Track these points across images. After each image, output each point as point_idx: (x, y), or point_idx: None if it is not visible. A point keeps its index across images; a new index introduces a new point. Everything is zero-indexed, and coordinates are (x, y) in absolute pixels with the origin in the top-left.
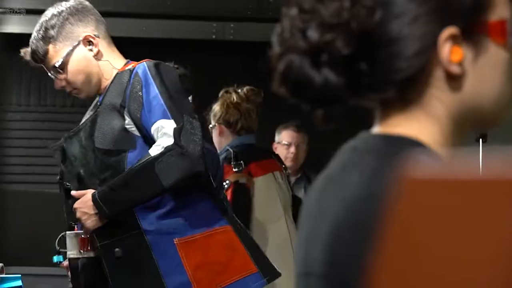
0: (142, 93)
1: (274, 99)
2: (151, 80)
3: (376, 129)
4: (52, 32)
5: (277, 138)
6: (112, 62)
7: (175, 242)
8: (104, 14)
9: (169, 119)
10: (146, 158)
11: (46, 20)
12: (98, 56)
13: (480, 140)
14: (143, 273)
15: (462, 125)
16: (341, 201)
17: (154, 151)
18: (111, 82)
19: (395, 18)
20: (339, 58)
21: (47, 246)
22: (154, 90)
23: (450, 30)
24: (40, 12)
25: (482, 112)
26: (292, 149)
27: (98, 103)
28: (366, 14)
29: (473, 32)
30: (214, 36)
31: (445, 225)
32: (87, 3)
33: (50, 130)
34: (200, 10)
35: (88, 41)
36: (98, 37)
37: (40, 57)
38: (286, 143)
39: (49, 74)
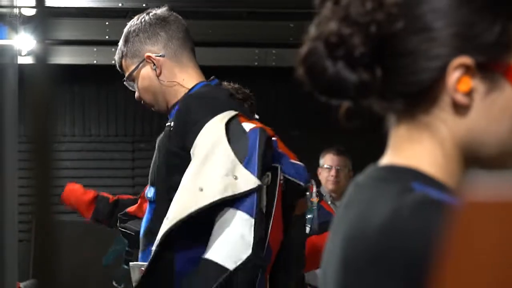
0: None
1: (318, 125)
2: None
3: (384, 158)
4: (124, 48)
5: (320, 162)
6: (183, 81)
7: None
8: None
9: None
10: None
11: (124, 34)
12: (161, 76)
13: None
14: None
15: (466, 155)
16: (342, 240)
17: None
18: (177, 108)
19: (415, 32)
20: (355, 56)
21: (95, 276)
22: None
23: (462, 60)
24: (85, 43)
25: (487, 149)
26: (332, 171)
27: (167, 127)
28: (387, 21)
29: (490, 68)
30: (256, 63)
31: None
32: (167, 15)
33: (95, 160)
34: (242, 37)
35: (151, 61)
36: (163, 56)
37: (120, 69)
38: (327, 166)
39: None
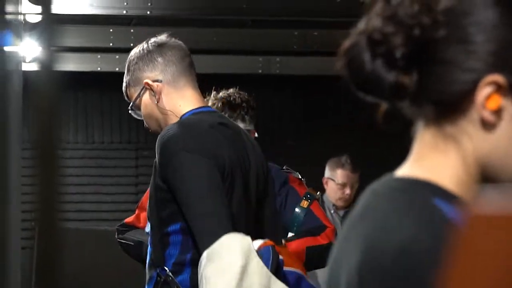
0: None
1: (321, 132)
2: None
3: (405, 166)
4: (127, 77)
5: (329, 173)
6: (177, 110)
7: None
8: None
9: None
10: None
11: (126, 64)
12: (159, 102)
13: None
14: None
15: (483, 173)
16: (359, 251)
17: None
18: None
19: (455, 42)
20: (394, 56)
21: (98, 283)
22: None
23: (495, 77)
24: (89, 50)
25: (505, 171)
26: (348, 190)
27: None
28: (431, 26)
29: None
30: (260, 71)
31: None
32: (165, 41)
33: (98, 167)
34: (246, 45)
35: (149, 87)
36: (160, 81)
37: (126, 98)
38: (340, 182)
39: None
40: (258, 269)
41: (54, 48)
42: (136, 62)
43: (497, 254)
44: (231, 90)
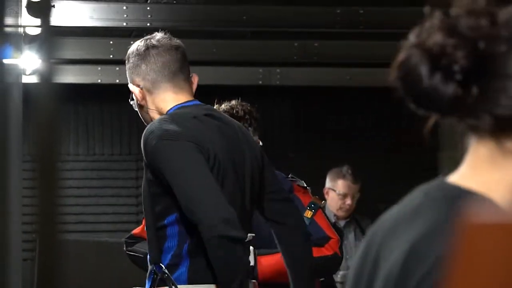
0: None
1: (322, 143)
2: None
3: (455, 175)
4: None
5: (330, 184)
6: (163, 108)
7: None
8: None
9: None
10: None
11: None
12: (144, 106)
13: None
14: None
15: None
16: (403, 251)
17: None
18: None
19: None
20: (454, 69)
21: None
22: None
23: None
24: (89, 62)
25: None
26: (349, 201)
27: None
28: (495, 40)
29: None
30: (260, 82)
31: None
32: (154, 44)
33: (99, 179)
34: (246, 56)
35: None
36: (141, 88)
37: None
38: (341, 193)
39: None
40: None
41: (54, 61)
42: (129, 68)
43: (496, 263)
44: (233, 102)
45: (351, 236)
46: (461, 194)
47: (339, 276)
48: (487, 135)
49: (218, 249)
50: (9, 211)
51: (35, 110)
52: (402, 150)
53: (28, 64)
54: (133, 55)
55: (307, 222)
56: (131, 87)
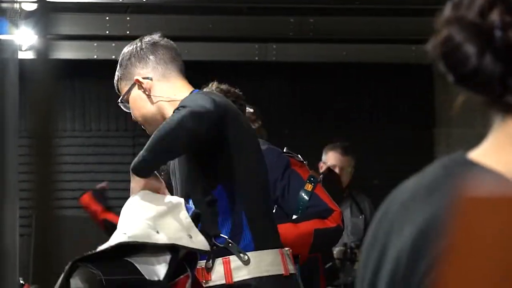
0: None
1: (318, 120)
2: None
3: (477, 152)
4: (119, 71)
5: (323, 158)
6: (173, 96)
7: None
8: None
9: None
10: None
11: (120, 59)
12: (152, 98)
13: None
14: None
15: None
16: (416, 223)
17: None
18: None
19: None
20: (506, 49)
21: None
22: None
23: None
24: (85, 37)
25: None
26: (336, 171)
27: None
28: None
29: None
30: (256, 58)
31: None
32: (157, 40)
33: (96, 155)
34: (242, 32)
35: (139, 83)
36: (150, 79)
37: (118, 92)
38: (329, 164)
39: None
40: (182, 218)
41: (50, 36)
42: (129, 58)
43: (495, 237)
44: (213, 88)
45: (346, 212)
46: (481, 172)
47: (335, 252)
48: None
49: (173, 116)
50: (5, 187)
51: (31, 86)
52: (398, 126)
53: (24, 39)
54: (134, 52)
55: (307, 195)
56: (125, 85)
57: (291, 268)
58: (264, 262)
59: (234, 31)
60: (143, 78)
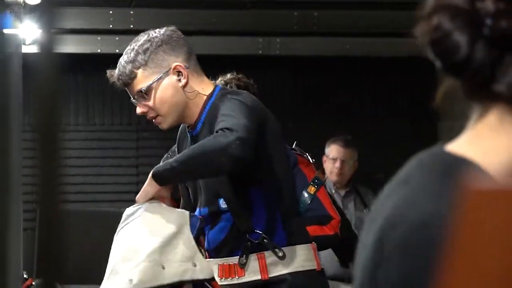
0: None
1: (321, 113)
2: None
3: (454, 143)
4: (143, 57)
5: (326, 151)
6: (202, 90)
7: None
8: None
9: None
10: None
11: (139, 45)
12: (186, 87)
13: None
14: None
15: None
16: (386, 215)
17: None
18: (206, 114)
19: None
20: (497, 37)
21: (99, 263)
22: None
23: None
24: (89, 32)
25: None
26: (337, 164)
27: (193, 134)
28: None
29: None
30: (260, 52)
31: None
32: (180, 33)
33: (99, 149)
34: (246, 26)
35: (177, 71)
36: (187, 67)
37: (127, 81)
38: (332, 157)
39: (132, 99)
40: (187, 242)
41: (54, 30)
42: (160, 45)
43: (498, 230)
44: (228, 76)
45: (351, 205)
46: (452, 162)
47: None
48: (503, 102)
49: (219, 138)
50: (9, 181)
51: (35, 80)
52: (402, 119)
53: (28, 34)
54: (166, 39)
55: (309, 198)
56: (152, 73)
57: (321, 264)
58: (298, 258)
59: (237, 25)
60: (185, 65)
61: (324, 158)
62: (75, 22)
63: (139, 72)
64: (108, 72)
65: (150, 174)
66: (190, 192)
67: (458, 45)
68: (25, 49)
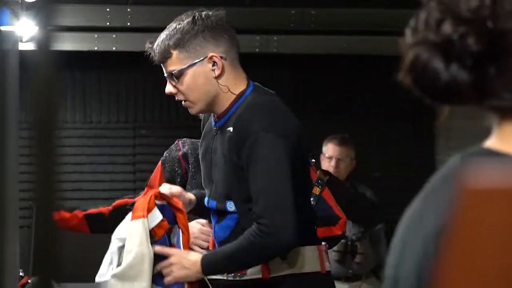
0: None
1: (319, 112)
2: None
3: (488, 142)
4: (182, 39)
5: (323, 149)
6: (233, 87)
7: None
8: (149, 30)
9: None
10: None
11: (182, 25)
12: (219, 78)
13: None
14: None
15: None
16: (434, 215)
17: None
18: (233, 111)
19: None
20: (469, 56)
21: (95, 260)
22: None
23: None
24: (86, 29)
25: None
26: (333, 162)
27: (216, 127)
28: (505, 16)
29: None
30: (257, 49)
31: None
32: (226, 21)
33: (96, 147)
34: (243, 23)
35: (213, 61)
36: (225, 59)
37: (161, 58)
38: (328, 156)
39: (165, 75)
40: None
41: (51, 28)
42: (202, 30)
43: (496, 227)
44: None
45: None
46: (499, 158)
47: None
48: (510, 113)
49: (259, 239)
50: (6, 178)
51: (32, 78)
52: (399, 118)
53: (25, 31)
54: (210, 25)
55: (315, 199)
56: (185, 57)
57: (328, 266)
58: (302, 259)
59: (235, 22)
60: (221, 56)
61: (321, 157)
62: (72, 19)
63: (175, 53)
64: (148, 42)
65: (200, 262)
66: (202, 175)
67: (437, 71)
68: (22, 47)
